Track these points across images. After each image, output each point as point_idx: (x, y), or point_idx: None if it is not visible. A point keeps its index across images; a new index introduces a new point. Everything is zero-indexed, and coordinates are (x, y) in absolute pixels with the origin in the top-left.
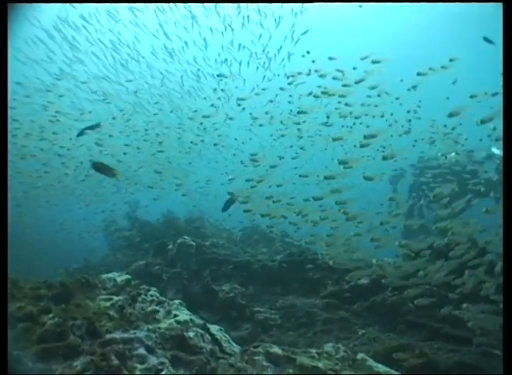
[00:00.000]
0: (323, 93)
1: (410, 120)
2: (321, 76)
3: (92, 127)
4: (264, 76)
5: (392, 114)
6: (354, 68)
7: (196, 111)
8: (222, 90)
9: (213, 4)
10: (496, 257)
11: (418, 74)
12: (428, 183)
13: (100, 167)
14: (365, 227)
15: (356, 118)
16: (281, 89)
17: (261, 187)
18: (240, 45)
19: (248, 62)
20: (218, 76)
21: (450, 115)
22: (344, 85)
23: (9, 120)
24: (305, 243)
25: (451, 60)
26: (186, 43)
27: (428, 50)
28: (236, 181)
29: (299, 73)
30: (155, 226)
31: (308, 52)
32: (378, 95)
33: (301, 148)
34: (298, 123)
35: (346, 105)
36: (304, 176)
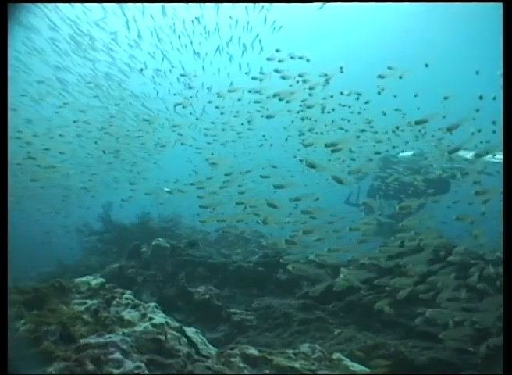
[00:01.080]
0: (290, 93)
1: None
2: (283, 78)
3: None
4: (240, 66)
5: (368, 119)
6: (339, 69)
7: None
8: (190, 87)
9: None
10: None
11: (401, 77)
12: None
13: None
14: (331, 231)
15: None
16: (248, 91)
17: (226, 191)
18: (208, 32)
19: (220, 52)
20: (181, 75)
21: (449, 129)
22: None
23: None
24: (267, 244)
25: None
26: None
27: (425, 50)
28: (202, 184)
29: (264, 73)
30: (128, 229)
31: (278, 50)
32: (357, 99)
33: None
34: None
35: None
36: (265, 177)
